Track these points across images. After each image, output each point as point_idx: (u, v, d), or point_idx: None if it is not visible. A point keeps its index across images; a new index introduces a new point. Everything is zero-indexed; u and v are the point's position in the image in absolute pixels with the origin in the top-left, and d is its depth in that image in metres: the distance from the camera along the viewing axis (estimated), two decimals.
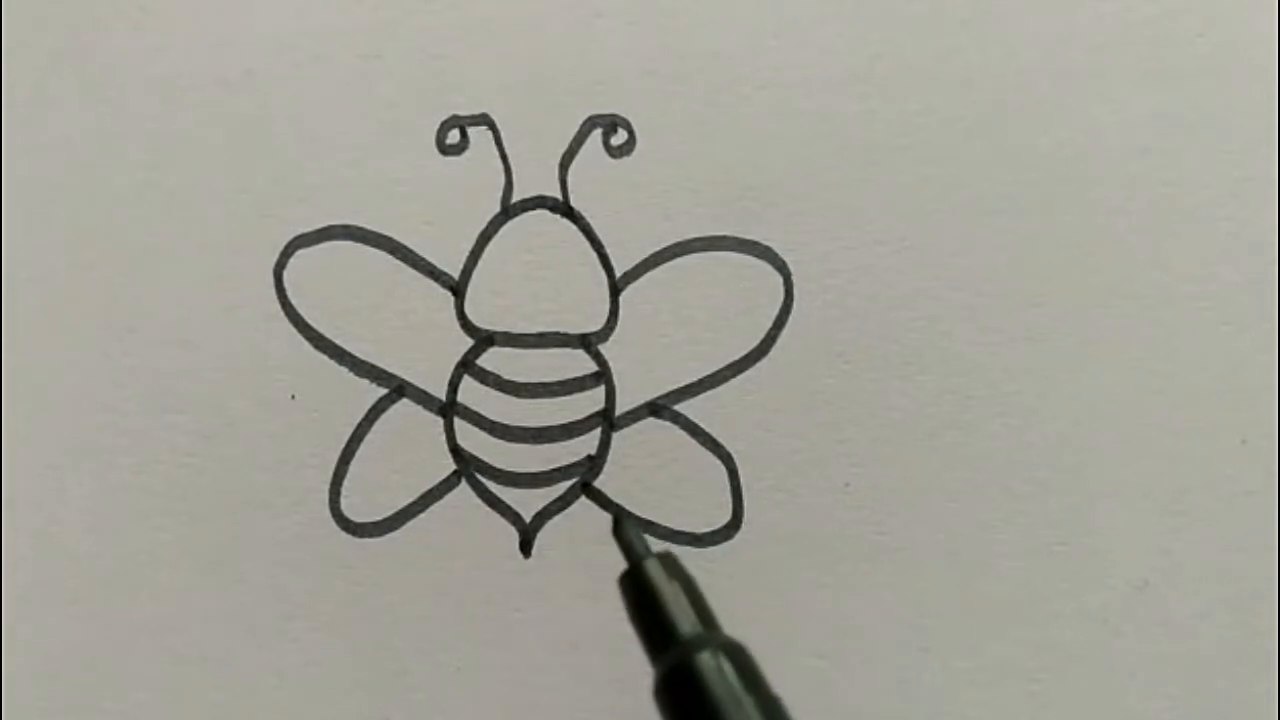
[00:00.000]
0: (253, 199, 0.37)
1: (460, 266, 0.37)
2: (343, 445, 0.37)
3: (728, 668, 0.28)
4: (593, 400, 0.37)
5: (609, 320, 0.37)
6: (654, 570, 0.29)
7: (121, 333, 0.37)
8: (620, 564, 0.35)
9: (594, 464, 0.37)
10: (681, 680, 0.28)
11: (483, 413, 0.37)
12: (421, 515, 0.37)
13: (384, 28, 0.38)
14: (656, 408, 0.37)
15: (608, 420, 0.37)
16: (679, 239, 0.37)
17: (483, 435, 0.37)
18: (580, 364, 0.37)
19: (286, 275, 0.37)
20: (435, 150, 0.37)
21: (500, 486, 0.37)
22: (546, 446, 0.37)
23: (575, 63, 0.37)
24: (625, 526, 0.30)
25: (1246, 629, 0.37)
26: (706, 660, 0.28)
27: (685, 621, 0.29)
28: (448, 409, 0.37)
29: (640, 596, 0.29)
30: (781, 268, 0.37)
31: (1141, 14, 0.37)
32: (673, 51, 0.37)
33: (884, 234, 0.37)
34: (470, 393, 0.37)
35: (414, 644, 0.37)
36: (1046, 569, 0.37)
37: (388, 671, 0.37)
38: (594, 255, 0.37)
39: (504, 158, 0.37)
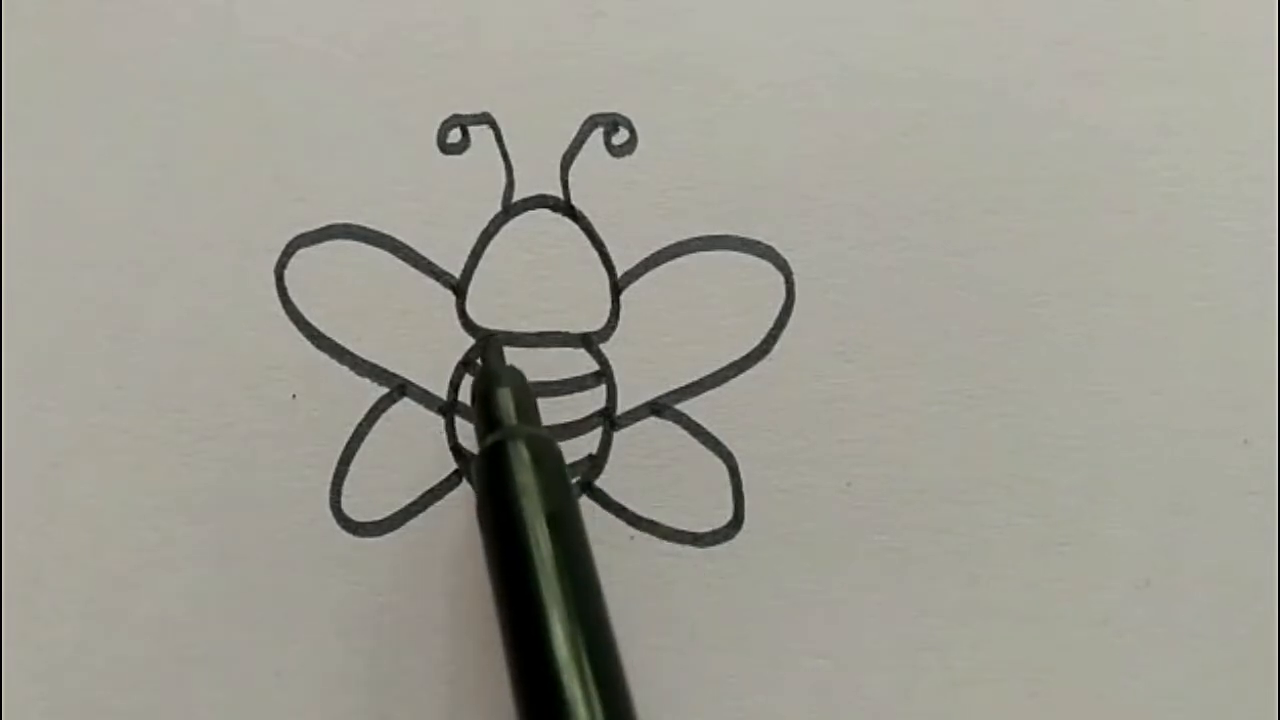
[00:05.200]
0: (253, 199, 0.37)
1: (461, 266, 0.37)
2: (344, 444, 0.37)
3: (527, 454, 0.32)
4: (594, 399, 0.37)
5: (610, 319, 0.37)
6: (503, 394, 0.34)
7: (121, 333, 0.37)
8: (622, 568, 0.36)
9: (595, 463, 0.37)
10: (492, 459, 0.33)
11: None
12: (422, 515, 0.37)
13: (384, 28, 0.38)
14: (658, 407, 0.37)
15: (609, 419, 0.37)
16: (680, 238, 0.37)
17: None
18: (581, 363, 0.37)
19: (287, 274, 0.37)
20: (436, 149, 0.37)
21: None
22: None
23: (577, 62, 0.37)
24: (491, 352, 0.36)
25: (1247, 629, 0.37)
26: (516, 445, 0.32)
27: (508, 416, 0.34)
28: (449, 408, 0.37)
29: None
30: (783, 267, 0.37)
31: (1142, 14, 0.38)
32: (673, 51, 0.37)
33: (884, 234, 0.37)
34: None
35: (414, 644, 0.37)
36: (1047, 569, 0.37)
37: (388, 671, 0.37)
38: (595, 254, 0.37)
39: (505, 157, 0.37)
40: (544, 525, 0.31)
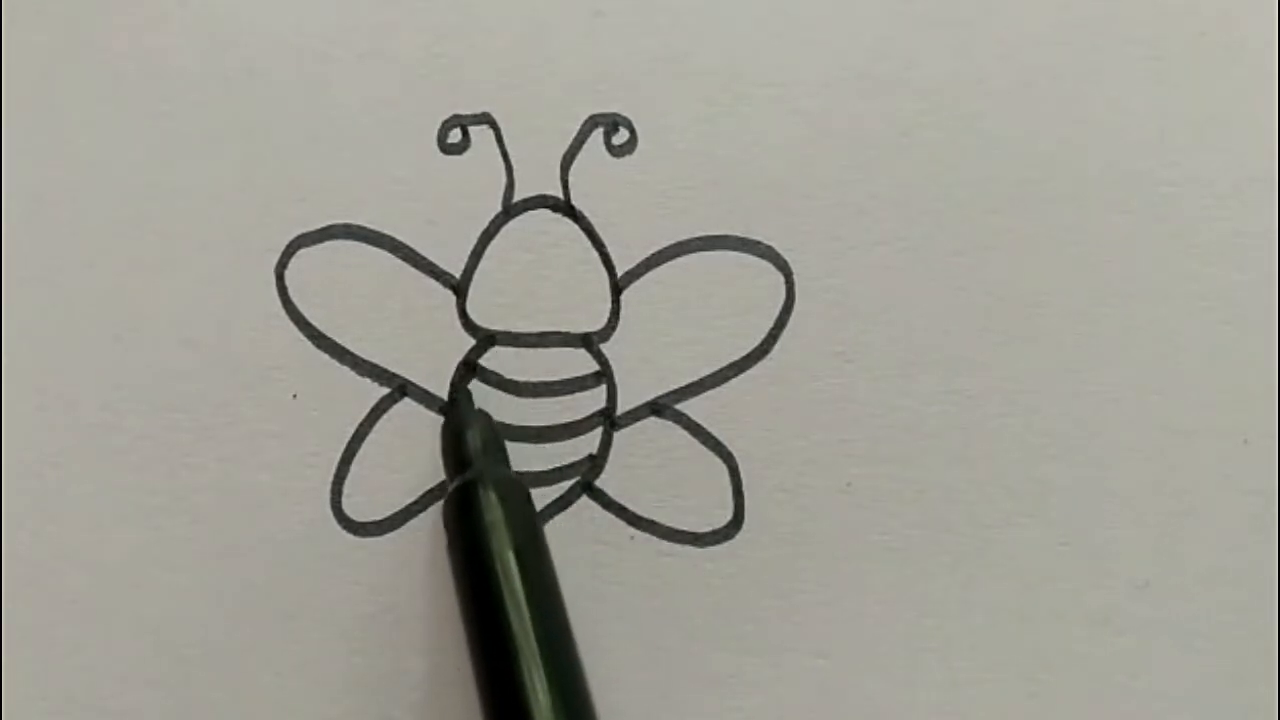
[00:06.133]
0: (253, 199, 0.37)
1: (462, 266, 0.37)
2: (344, 445, 0.37)
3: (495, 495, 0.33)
4: (594, 400, 0.37)
5: (610, 320, 0.37)
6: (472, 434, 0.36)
7: (121, 333, 0.37)
8: (622, 568, 0.36)
9: (595, 464, 0.37)
10: (461, 499, 0.34)
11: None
12: (423, 515, 0.37)
13: (384, 27, 0.38)
14: (658, 407, 0.37)
15: (609, 420, 0.37)
16: (680, 238, 0.37)
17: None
18: (582, 363, 0.37)
19: (288, 275, 0.37)
20: (436, 149, 0.37)
21: None
22: (548, 446, 0.37)
23: (577, 62, 0.37)
24: (461, 395, 0.37)
25: (1247, 629, 0.37)
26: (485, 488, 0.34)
27: (476, 456, 0.35)
28: (449, 408, 0.37)
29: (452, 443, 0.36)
30: (783, 267, 0.37)
31: (1141, 14, 0.37)
32: (674, 51, 0.37)
33: (884, 234, 0.37)
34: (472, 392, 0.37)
35: (414, 644, 0.37)
36: (1046, 569, 0.37)
37: (388, 671, 0.37)
38: (595, 255, 0.37)
39: (505, 157, 0.37)
40: (513, 560, 0.32)
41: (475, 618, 0.32)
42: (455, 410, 0.37)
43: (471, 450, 0.35)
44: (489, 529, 0.33)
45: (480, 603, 0.32)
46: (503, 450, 0.36)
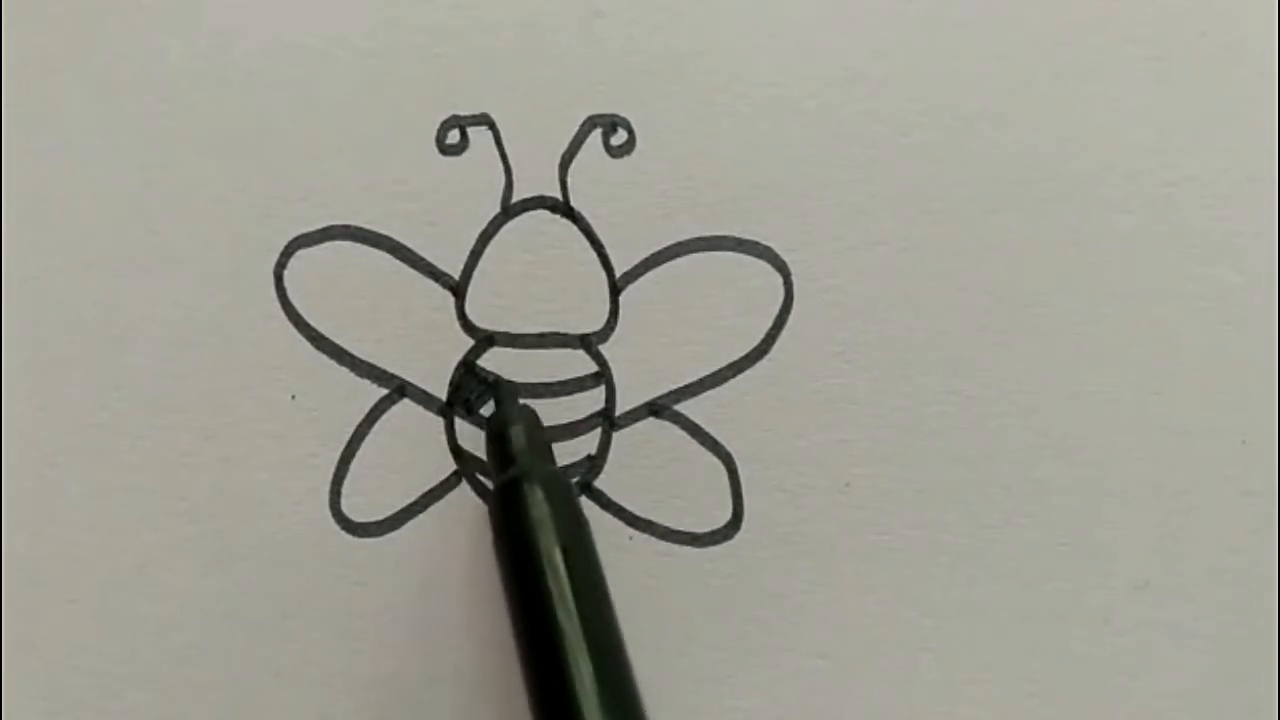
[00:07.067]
0: (253, 199, 0.37)
1: (460, 266, 0.37)
2: (343, 445, 0.37)
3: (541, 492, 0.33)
4: (593, 400, 0.37)
5: (609, 320, 0.37)
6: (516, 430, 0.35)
7: (121, 333, 0.37)
8: (621, 568, 0.36)
9: (594, 464, 0.37)
10: (507, 496, 0.34)
11: (483, 412, 0.37)
12: (422, 515, 0.37)
13: (384, 28, 0.38)
14: (656, 408, 0.37)
15: (608, 420, 0.37)
16: (679, 239, 0.37)
17: (483, 435, 0.37)
18: (580, 364, 0.37)
19: (287, 275, 0.37)
20: (435, 150, 0.37)
21: None
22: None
23: (575, 63, 0.37)
24: (503, 391, 0.37)
25: (1246, 629, 0.37)
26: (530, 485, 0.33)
27: (521, 454, 0.35)
28: (448, 409, 0.37)
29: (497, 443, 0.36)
30: (781, 268, 0.37)
31: (1141, 14, 0.37)
32: (673, 51, 0.37)
33: (884, 234, 0.37)
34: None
35: (414, 644, 0.37)
36: (1046, 569, 0.37)
37: (388, 671, 0.37)
38: (594, 255, 0.37)
39: (504, 158, 0.37)
40: (560, 557, 0.32)
41: (522, 614, 0.32)
42: (500, 407, 0.37)
43: (516, 447, 0.35)
44: (535, 526, 0.33)
45: (528, 600, 0.32)
46: (548, 446, 0.36)
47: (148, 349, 0.37)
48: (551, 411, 0.37)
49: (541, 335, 0.37)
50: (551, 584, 0.32)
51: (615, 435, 0.37)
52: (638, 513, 0.37)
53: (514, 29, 0.37)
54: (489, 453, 0.36)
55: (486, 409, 0.37)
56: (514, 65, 0.37)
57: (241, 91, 0.38)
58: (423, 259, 0.37)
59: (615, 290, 0.37)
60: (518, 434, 0.35)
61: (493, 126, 0.37)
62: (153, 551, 0.37)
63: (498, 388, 0.37)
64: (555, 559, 0.32)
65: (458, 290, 0.37)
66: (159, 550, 0.37)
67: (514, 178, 0.37)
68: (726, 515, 0.37)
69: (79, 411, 0.37)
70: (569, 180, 0.37)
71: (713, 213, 0.37)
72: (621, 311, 0.37)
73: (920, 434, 0.37)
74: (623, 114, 0.37)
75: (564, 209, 0.37)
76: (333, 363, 0.37)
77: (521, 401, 0.37)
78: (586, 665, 0.30)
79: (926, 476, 0.37)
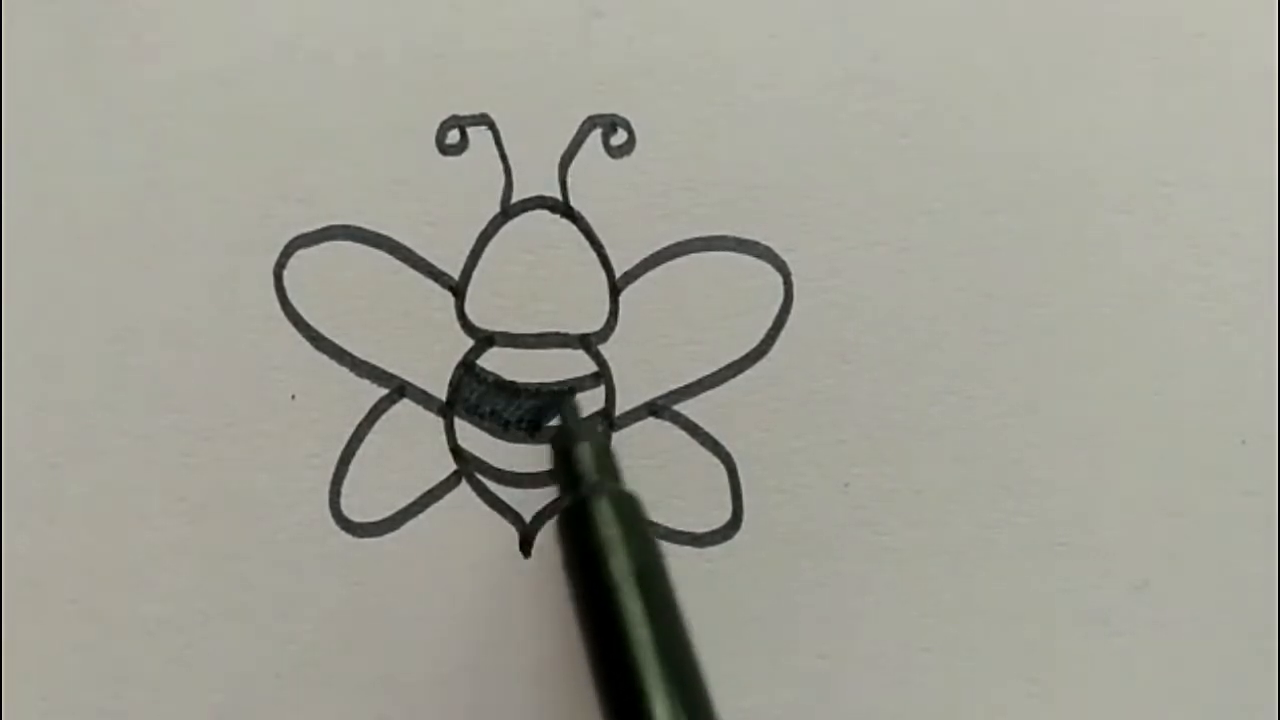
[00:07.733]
0: (253, 199, 0.37)
1: (460, 267, 0.37)
2: (343, 445, 0.37)
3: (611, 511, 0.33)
4: (593, 400, 0.37)
5: (609, 320, 0.37)
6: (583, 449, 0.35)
7: (121, 333, 0.37)
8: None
9: None
10: (576, 515, 0.33)
11: (546, 428, 0.37)
12: (421, 515, 0.37)
13: (384, 28, 0.38)
14: (656, 408, 0.37)
15: (608, 420, 0.37)
16: (679, 239, 0.37)
17: (483, 435, 0.37)
18: (580, 364, 0.37)
19: (286, 275, 0.37)
20: (435, 150, 0.37)
21: (500, 486, 0.37)
22: (547, 447, 0.37)
23: (575, 63, 0.37)
24: (567, 408, 0.37)
25: (1246, 629, 0.37)
26: (600, 502, 0.33)
27: (590, 472, 0.35)
28: (448, 409, 0.37)
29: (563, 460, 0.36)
30: (781, 268, 0.37)
31: (1141, 14, 0.37)
32: (673, 51, 0.37)
33: (884, 234, 0.37)
34: None
35: (414, 644, 0.37)
36: (1046, 569, 0.37)
37: (388, 671, 0.37)
38: (593, 255, 0.37)
39: (504, 158, 0.37)
40: (632, 583, 0.32)
41: (595, 638, 0.32)
42: (563, 423, 0.36)
43: (584, 465, 0.35)
44: (605, 546, 0.32)
45: (600, 624, 0.31)
46: (615, 462, 0.36)
47: (148, 349, 0.37)
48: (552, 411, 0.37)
49: (541, 335, 0.37)
50: (624, 609, 0.31)
51: (615, 435, 0.37)
52: None
53: (514, 29, 0.37)
54: (555, 470, 0.36)
55: (546, 424, 0.37)
56: (514, 65, 0.37)
57: (241, 91, 0.38)
58: (422, 259, 0.37)
59: (615, 290, 0.37)
60: (584, 451, 0.35)
61: (492, 126, 0.37)
62: (153, 551, 0.37)
63: (563, 403, 0.37)
64: (629, 582, 0.31)
65: (458, 290, 0.37)
66: (159, 550, 0.37)
67: (514, 178, 0.37)
68: (726, 515, 0.37)
69: (79, 411, 0.37)
70: (569, 180, 0.37)
71: (712, 213, 0.37)
72: (621, 311, 0.37)
73: (920, 434, 0.37)
74: (622, 114, 0.37)
75: (564, 209, 0.37)
76: (333, 363, 0.37)
77: (585, 415, 0.37)
78: (660, 689, 0.30)
79: (926, 476, 0.37)
